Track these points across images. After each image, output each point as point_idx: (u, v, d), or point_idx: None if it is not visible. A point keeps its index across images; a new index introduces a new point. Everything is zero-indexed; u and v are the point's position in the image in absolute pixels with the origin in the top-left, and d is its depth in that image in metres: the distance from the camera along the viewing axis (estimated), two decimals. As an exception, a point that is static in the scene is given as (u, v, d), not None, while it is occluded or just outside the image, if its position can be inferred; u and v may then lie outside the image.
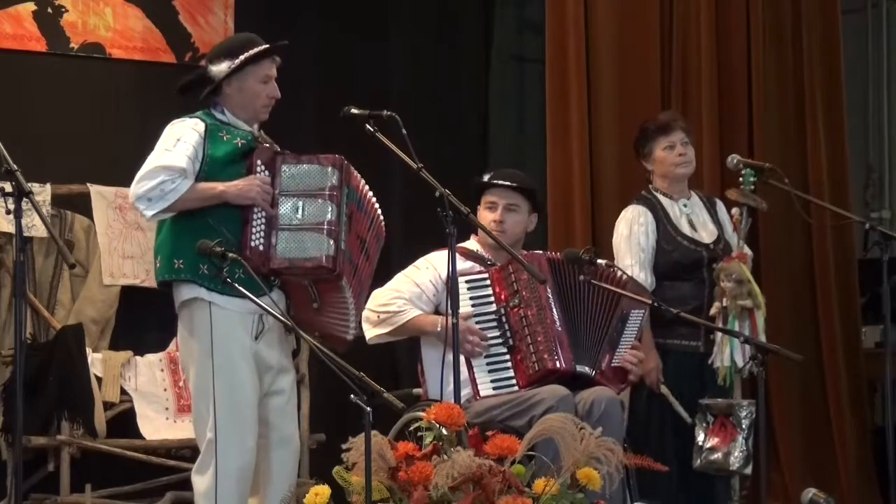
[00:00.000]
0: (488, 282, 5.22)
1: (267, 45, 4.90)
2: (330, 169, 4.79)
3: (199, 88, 4.92)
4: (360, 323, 5.06)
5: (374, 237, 5.03)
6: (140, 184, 4.70)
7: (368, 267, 5.01)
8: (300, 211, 4.76)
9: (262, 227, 4.74)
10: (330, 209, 4.76)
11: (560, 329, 5.18)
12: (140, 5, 7.01)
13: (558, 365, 5.12)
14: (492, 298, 5.21)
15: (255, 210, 4.73)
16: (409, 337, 5.36)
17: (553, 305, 5.20)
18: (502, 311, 5.19)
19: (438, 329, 5.14)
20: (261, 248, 4.73)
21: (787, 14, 7.73)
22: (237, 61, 4.84)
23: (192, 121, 4.83)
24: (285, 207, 4.76)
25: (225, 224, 4.74)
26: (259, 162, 4.79)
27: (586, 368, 5.20)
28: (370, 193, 5.01)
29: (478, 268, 5.31)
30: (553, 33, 7.35)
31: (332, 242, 4.73)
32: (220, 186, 4.73)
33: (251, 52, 4.86)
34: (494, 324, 5.19)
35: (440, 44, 7.68)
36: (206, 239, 4.61)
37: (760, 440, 5.31)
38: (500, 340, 5.18)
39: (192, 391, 4.83)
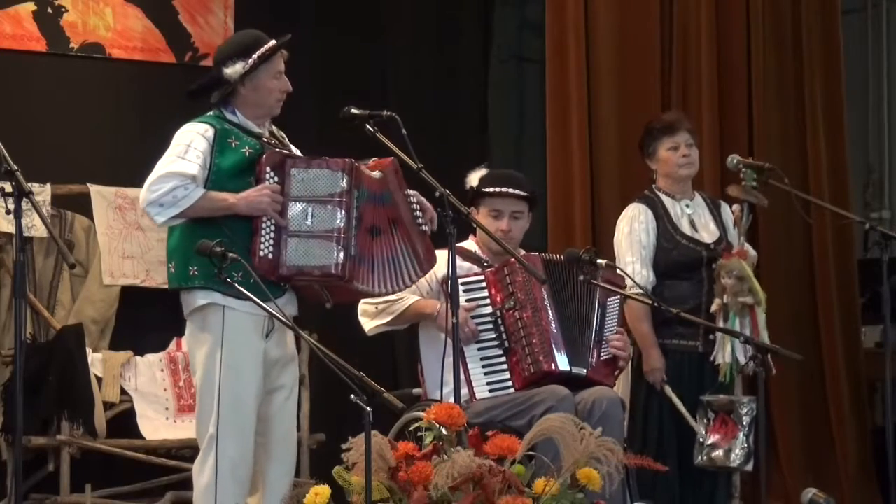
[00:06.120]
0: (483, 284, 5.21)
1: (275, 41, 4.89)
2: (339, 173, 4.76)
3: (211, 92, 4.91)
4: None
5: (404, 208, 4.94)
6: (151, 189, 4.68)
7: (407, 232, 4.94)
8: (309, 217, 4.74)
9: (272, 234, 4.73)
10: (339, 216, 4.74)
11: (555, 331, 5.17)
12: (140, 5, 7.01)
13: (553, 367, 5.12)
14: (487, 300, 5.20)
15: (265, 219, 4.72)
16: (408, 330, 5.35)
17: (548, 307, 5.19)
18: (498, 313, 5.18)
19: (438, 310, 5.12)
20: (269, 256, 4.72)
21: (787, 14, 7.73)
22: (251, 60, 4.83)
23: (202, 126, 4.81)
24: (295, 213, 4.74)
25: (236, 233, 4.73)
26: (268, 169, 4.77)
27: (582, 370, 5.20)
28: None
29: (474, 269, 5.29)
30: (553, 33, 7.35)
31: (340, 250, 4.73)
32: (231, 198, 4.72)
33: (263, 49, 4.85)
34: (490, 326, 5.18)
35: (440, 44, 7.68)
36: (206, 239, 4.61)
37: (760, 440, 5.32)
38: (495, 343, 5.16)
39: (199, 388, 4.83)
